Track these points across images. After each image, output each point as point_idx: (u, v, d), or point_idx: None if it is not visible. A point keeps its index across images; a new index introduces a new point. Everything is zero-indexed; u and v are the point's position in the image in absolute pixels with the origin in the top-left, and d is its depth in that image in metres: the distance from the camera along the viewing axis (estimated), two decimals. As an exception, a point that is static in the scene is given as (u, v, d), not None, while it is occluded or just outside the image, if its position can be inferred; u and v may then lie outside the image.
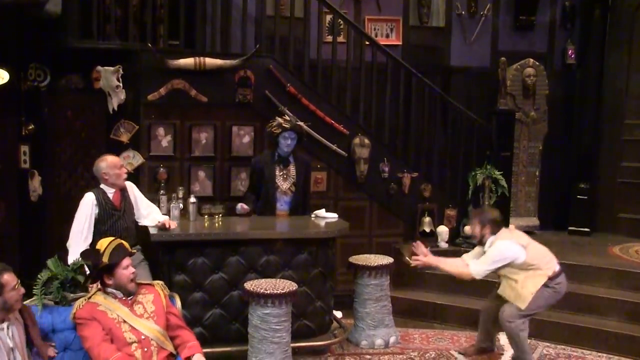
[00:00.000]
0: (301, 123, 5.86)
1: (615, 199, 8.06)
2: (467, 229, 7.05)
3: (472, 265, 5.11)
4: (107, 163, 5.01)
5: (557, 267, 5.13)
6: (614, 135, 8.10)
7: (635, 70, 7.96)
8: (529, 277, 5.01)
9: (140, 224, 5.26)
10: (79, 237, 4.88)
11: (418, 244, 5.32)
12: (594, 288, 6.30)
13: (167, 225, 5.14)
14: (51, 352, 3.72)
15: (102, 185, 5.04)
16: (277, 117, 5.85)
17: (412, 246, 5.35)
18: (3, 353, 3.36)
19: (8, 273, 3.44)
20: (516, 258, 5.01)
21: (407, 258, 5.33)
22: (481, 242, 5.22)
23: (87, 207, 4.93)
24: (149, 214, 5.29)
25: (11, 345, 3.43)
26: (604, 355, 5.68)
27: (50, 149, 6.49)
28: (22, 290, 3.52)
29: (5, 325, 3.44)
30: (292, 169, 5.86)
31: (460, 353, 5.62)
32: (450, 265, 5.25)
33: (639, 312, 5.91)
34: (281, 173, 5.82)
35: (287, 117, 5.84)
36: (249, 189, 6.04)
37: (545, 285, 5.02)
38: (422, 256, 5.23)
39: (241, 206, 5.77)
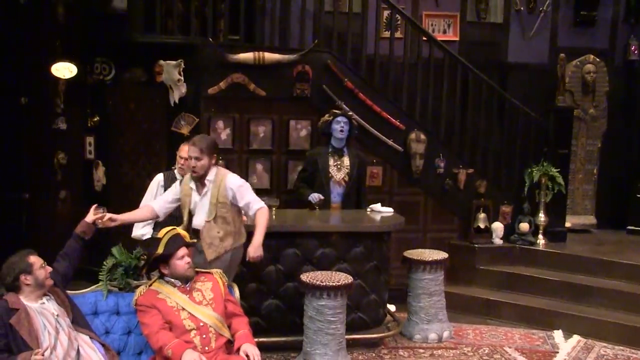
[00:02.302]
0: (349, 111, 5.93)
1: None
2: (523, 225, 7.01)
3: (258, 204, 4.60)
4: (181, 149, 5.11)
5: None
6: (675, 133, 7.92)
7: (700, 67, 7.76)
8: None
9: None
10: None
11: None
12: (636, 286, 6.18)
13: None
14: None
15: (174, 169, 5.19)
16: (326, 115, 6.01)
17: None
18: (51, 319, 3.58)
19: (33, 255, 3.68)
20: None
21: None
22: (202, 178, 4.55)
23: (153, 186, 5.17)
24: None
25: (56, 313, 3.64)
26: (648, 354, 5.59)
27: (114, 141, 6.71)
28: (49, 268, 3.73)
29: (45, 299, 3.67)
30: (345, 160, 5.98)
31: None
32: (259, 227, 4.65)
33: (700, 315, 5.79)
34: (335, 164, 5.94)
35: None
36: (298, 182, 6.15)
37: None
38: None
39: (318, 197, 5.85)
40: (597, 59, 7.81)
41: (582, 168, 7.94)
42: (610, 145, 8.02)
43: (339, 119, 5.94)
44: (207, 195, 4.53)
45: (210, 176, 4.54)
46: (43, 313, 3.58)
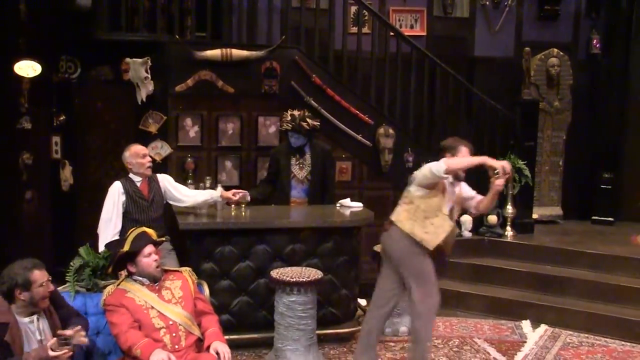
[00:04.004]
0: (309, 121, 5.87)
1: (638, 188, 8.03)
2: (491, 217, 7.10)
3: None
4: (130, 152, 5.13)
5: None
6: (638, 125, 8.06)
7: (661, 60, 7.92)
8: None
9: (184, 205, 5.34)
10: (108, 224, 5.01)
11: None
12: (618, 277, 6.31)
13: (232, 197, 5.39)
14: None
15: (130, 175, 5.16)
16: (288, 111, 5.92)
17: None
18: (32, 345, 3.39)
19: (39, 270, 3.43)
20: None
21: None
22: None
23: (114, 195, 5.06)
24: (194, 194, 5.40)
25: (39, 337, 3.45)
26: (627, 343, 5.70)
27: (81, 140, 6.65)
28: (51, 287, 3.52)
29: (34, 317, 3.47)
30: (308, 159, 5.99)
31: None
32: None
33: (663, 301, 5.94)
34: (297, 162, 5.94)
35: (295, 114, 5.88)
36: (265, 178, 6.16)
37: None
38: None
39: (243, 193, 5.63)
40: (561, 53, 7.93)
41: (548, 160, 8.06)
42: (575, 137, 8.15)
43: (289, 133, 5.88)
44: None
45: None
46: (27, 333, 3.41)
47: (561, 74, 7.90)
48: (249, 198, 5.68)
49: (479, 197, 4.79)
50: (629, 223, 7.84)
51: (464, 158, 4.60)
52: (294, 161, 5.96)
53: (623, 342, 5.73)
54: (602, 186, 7.95)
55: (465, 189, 4.80)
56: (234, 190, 5.51)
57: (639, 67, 8.03)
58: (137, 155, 5.12)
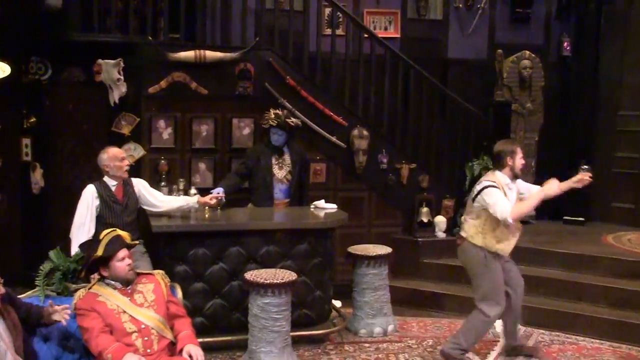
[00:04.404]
0: (293, 119, 5.95)
1: (609, 189, 8.15)
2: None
3: None
4: (108, 155, 5.09)
5: None
6: (608, 126, 8.18)
7: (629, 62, 8.03)
8: None
9: (158, 210, 5.31)
10: (81, 228, 4.96)
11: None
12: (589, 276, 6.39)
13: (210, 202, 5.38)
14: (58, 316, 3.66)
15: (104, 178, 5.11)
16: (271, 110, 5.97)
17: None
18: None
19: None
20: None
21: None
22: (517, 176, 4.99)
23: (88, 199, 5.01)
24: (170, 200, 5.41)
25: None
26: (597, 341, 5.78)
27: (52, 142, 6.57)
28: (2, 290, 3.45)
29: None
30: (287, 158, 6.02)
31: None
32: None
33: (630, 299, 6.01)
34: (277, 162, 5.95)
35: (279, 113, 5.95)
36: (235, 172, 6.08)
37: None
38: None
39: (217, 192, 5.63)
40: (533, 55, 7.99)
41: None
42: (547, 138, 8.23)
43: (273, 130, 5.94)
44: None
45: None
46: None
47: (533, 75, 7.98)
48: (224, 200, 5.68)
49: (535, 187, 5.07)
50: (600, 223, 7.96)
51: (528, 204, 4.84)
52: (274, 160, 5.97)
53: (592, 340, 5.80)
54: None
55: (521, 186, 5.07)
56: (211, 195, 5.48)
57: (607, 69, 8.16)
58: (115, 158, 5.08)
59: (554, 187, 4.86)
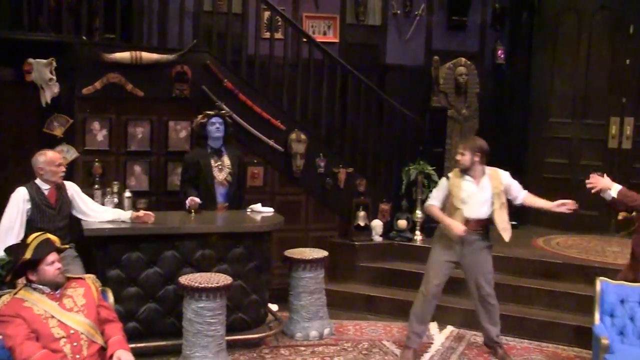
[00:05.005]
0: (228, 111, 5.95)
1: (540, 193, 8.32)
2: (401, 222, 7.25)
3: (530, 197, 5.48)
4: (46, 158, 4.95)
5: None
6: (539, 132, 8.44)
7: (559, 71, 8.32)
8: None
9: (86, 219, 5.20)
10: (9, 232, 4.80)
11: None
12: (520, 278, 6.57)
13: (143, 218, 5.25)
14: None
15: (36, 180, 4.97)
16: (203, 112, 6.00)
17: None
18: None
19: None
20: None
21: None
22: (467, 171, 5.32)
23: (18, 202, 4.86)
24: (101, 211, 5.28)
25: None
26: (525, 341, 5.96)
27: (-20, 143, 6.36)
28: None
29: None
30: (226, 160, 6.00)
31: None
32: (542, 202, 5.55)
33: (558, 300, 6.23)
34: (216, 164, 5.92)
35: (211, 112, 5.97)
36: (184, 185, 6.02)
37: None
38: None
39: (191, 199, 5.73)
40: (469, 62, 8.14)
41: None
42: (481, 144, 8.40)
43: (213, 119, 5.93)
44: (487, 187, 5.25)
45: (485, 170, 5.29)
46: None
47: (469, 82, 8.12)
48: (199, 200, 5.73)
49: (538, 200, 5.62)
50: (531, 227, 8.17)
51: (438, 216, 5.47)
52: (213, 163, 5.93)
53: (522, 340, 5.98)
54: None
55: (511, 189, 5.54)
56: (143, 212, 5.35)
57: (539, 77, 8.41)
58: (52, 163, 4.94)
59: (456, 229, 5.23)
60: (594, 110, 8.18)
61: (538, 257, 6.80)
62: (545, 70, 8.37)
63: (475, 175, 5.30)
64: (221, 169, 5.97)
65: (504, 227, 5.35)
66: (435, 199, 5.45)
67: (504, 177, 5.41)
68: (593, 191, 5.05)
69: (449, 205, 5.35)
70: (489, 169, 5.38)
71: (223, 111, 6.03)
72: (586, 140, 8.23)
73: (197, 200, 5.74)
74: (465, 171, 5.31)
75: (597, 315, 4.85)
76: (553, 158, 8.37)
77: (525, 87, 8.42)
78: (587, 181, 5.08)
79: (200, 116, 5.97)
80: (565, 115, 8.33)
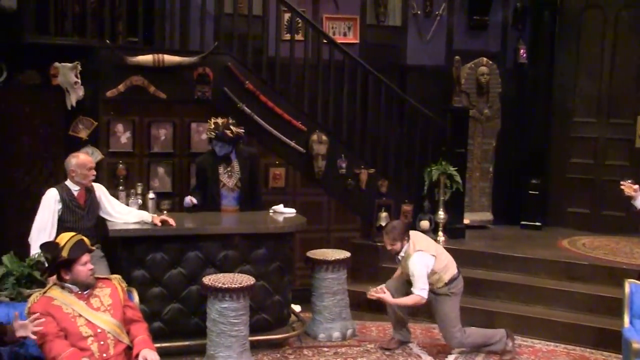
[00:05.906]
0: (233, 129, 5.88)
1: (564, 194, 8.33)
2: (423, 223, 7.23)
3: (417, 292, 5.23)
4: (78, 161, 5.02)
5: (455, 272, 5.42)
6: (563, 132, 8.36)
7: (582, 70, 8.22)
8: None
9: (111, 220, 5.26)
10: (42, 232, 4.86)
11: (382, 287, 5.43)
12: (544, 280, 6.52)
13: (160, 222, 5.26)
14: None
15: (67, 182, 5.04)
16: (212, 119, 5.92)
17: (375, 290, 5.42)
18: None
19: None
20: (430, 267, 5.28)
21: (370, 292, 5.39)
22: (398, 254, 5.39)
23: (50, 203, 4.94)
24: (126, 213, 5.33)
25: None
26: (552, 344, 5.90)
27: (8, 146, 6.43)
28: None
29: None
30: (235, 166, 6.00)
31: (383, 348, 5.69)
32: (402, 300, 5.39)
33: (584, 302, 6.15)
34: (225, 171, 5.95)
35: (219, 122, 5.88)
36: (196, 187, 6.09)
37: None
38: (381, 293, 5.35)
39: (190, 199, 5.82)
40: (490, 62, 8.11)
41: (479, 166, 8.24)
42: (504, 144, 8.36)
43: (214, 141, 5.90)
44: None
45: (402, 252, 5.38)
46: None
47: (490, 82, 8.09)
48: (195, 201, 5.79)
49: None
50: (556, 228, 8.12)
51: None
52: (222, 170, 5.95)
53: (547, 342, 5.92)
54: (530, 192, 8.16)
55: None
56: (161, 218, 5.34)
57: (561, 76, 8.33)
58: (84, 166, 5.01)
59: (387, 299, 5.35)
60: (620, 109, 8.07)
61: (563, 259, 6.72)
62: (568, 69, 8.28)
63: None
64: (231, 175, 5.97)
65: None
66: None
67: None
68: (626, 193, 5.02)
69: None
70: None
71: (227, 130, 5.85)
72: (612, 140, 8.13)
73: (195, 200, 5.78)
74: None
75: (626, 319, 4.75)
76: (578, 158, 8.27)
77: (548, 87, 8.35)
78: (622, 182, 5.09)
79: (207, 131, 5.95)
80: (590, 114, 8.23)
